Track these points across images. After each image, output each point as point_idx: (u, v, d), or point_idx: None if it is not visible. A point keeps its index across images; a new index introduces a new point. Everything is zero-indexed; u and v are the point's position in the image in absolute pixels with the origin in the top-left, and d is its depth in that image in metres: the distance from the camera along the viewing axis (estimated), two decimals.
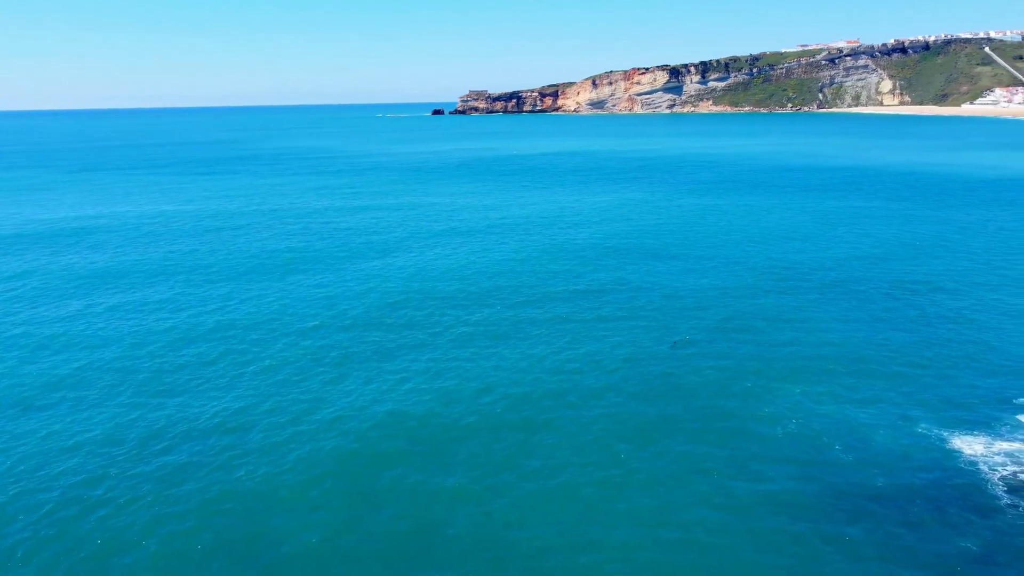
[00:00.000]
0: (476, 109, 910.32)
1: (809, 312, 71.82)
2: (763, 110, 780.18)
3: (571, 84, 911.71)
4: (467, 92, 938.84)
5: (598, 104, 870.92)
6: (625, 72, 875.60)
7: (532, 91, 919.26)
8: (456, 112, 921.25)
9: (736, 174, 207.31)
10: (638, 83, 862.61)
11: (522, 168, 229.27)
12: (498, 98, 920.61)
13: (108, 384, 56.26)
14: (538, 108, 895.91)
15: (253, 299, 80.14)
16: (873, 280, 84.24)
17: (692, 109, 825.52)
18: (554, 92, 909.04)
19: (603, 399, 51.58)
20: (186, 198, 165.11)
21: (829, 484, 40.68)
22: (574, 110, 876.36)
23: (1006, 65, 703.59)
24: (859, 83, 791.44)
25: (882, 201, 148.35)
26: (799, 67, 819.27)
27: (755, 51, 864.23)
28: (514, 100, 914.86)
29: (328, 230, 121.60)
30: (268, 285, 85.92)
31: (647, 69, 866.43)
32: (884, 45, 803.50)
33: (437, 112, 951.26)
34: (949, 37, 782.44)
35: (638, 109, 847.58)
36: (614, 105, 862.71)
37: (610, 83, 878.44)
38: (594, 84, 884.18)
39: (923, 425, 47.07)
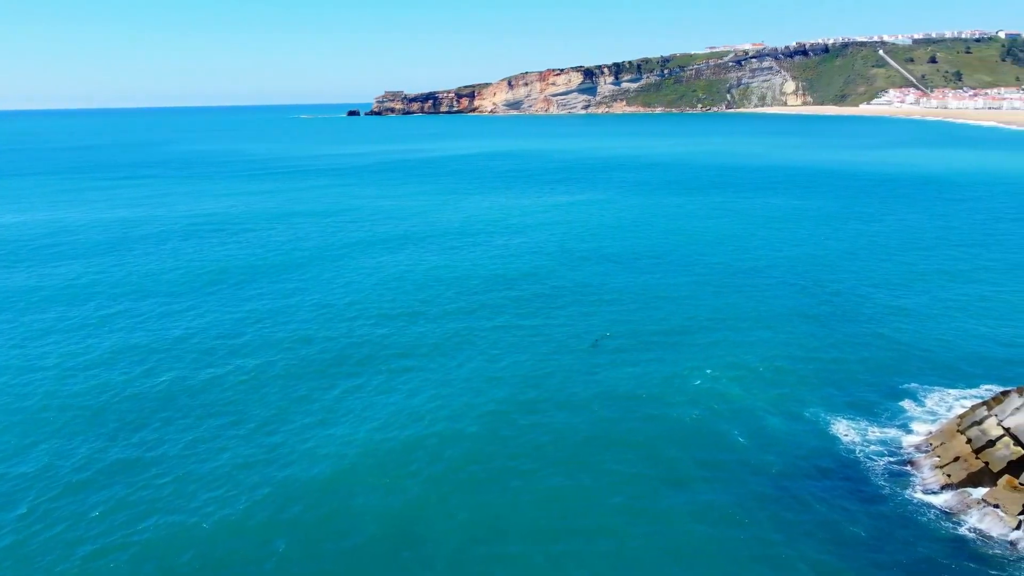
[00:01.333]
0: (392, 110, 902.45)
1: (718, 305, 73.89)
2: (675, 110, 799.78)
3: (487, 85, 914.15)
4: (383, 93, 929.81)
5: (514, 105, 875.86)
6: (540, 73, 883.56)
7: (448, 92, 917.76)
8: (372, 113, 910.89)
9: (655, 175, 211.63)
10: (553, 84, 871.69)
11: (450, 171, 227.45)
12: (414, 99, 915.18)
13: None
14: (455, 109, 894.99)
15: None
16: (779, 275, 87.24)
17: (607, 110, 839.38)
18: (471, 93, 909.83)
19: (526, 398, 51.63)
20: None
21: (731, 473, 41.79)
22: (491, 111, 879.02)
23: (898, 67, 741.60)
24: (764, 84, 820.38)
25: (793, 199, 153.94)
26: (708, 68, 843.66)
27: (666, 53, 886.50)
28: (431, 101, 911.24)
29: (253, 240, 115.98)
30: (179, 303, 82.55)
31: (562, 70, 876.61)
32: (787, 47, 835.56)
33: (352, 113, 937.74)
34: (846, 40, 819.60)
35: (554, 110, 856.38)
36: (530, 106, 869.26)
37: (526, 84, 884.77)
38: (510, 85, 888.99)
39: (817, 412, 48.82)
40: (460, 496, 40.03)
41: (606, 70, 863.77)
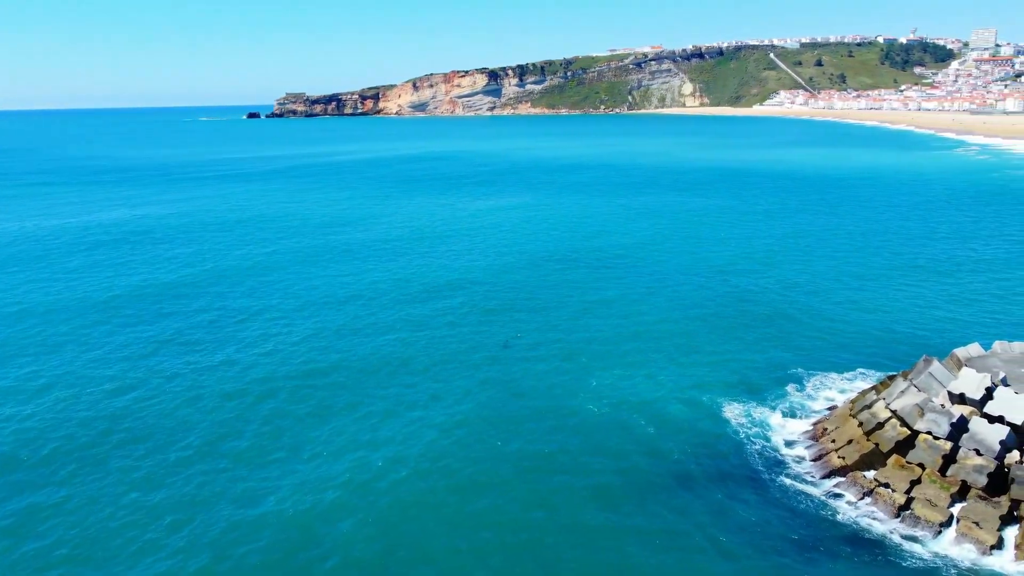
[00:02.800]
0: (294, 112, 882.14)
1: (623, 300, 75.30)
2: (579, 111, 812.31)
3: (392, 87, 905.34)
4: (284, 95, 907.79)
5: (420, 107, 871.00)
6: (445, 75, 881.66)
7: (352, 94, 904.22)
8: (273, 115, 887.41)
9: (558, 174, 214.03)
10: (458, 86, 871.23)
11: (369, 175, 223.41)
12: (317, 100, 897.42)
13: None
14: (359, 111, 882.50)
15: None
16: (679, 266, 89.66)
17: (512, 111, 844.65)
18: (375, 94, 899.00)
19: (437, 400, 51.05)
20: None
21: (633, 462, 42.59)
22: (396, 112, 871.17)
23: (788, 70, 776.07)
24: (664, 86, 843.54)
25: (699, 198, 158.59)
26: (610, 70, 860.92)
27: (569, 55, 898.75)
28: (334, 103, 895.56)
29: (146, 257, 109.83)
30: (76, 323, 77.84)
31: (467, 72, 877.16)
32: (684, 50, 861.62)
33: (253, 115, 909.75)
34: (740, 44, 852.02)
35: (460, 111, 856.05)
36: (436, 107, 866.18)
37: (431, 85, 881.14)
38: (415, 87, 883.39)
39: (717, 402, 50.33)
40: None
41: (510, 72, 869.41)
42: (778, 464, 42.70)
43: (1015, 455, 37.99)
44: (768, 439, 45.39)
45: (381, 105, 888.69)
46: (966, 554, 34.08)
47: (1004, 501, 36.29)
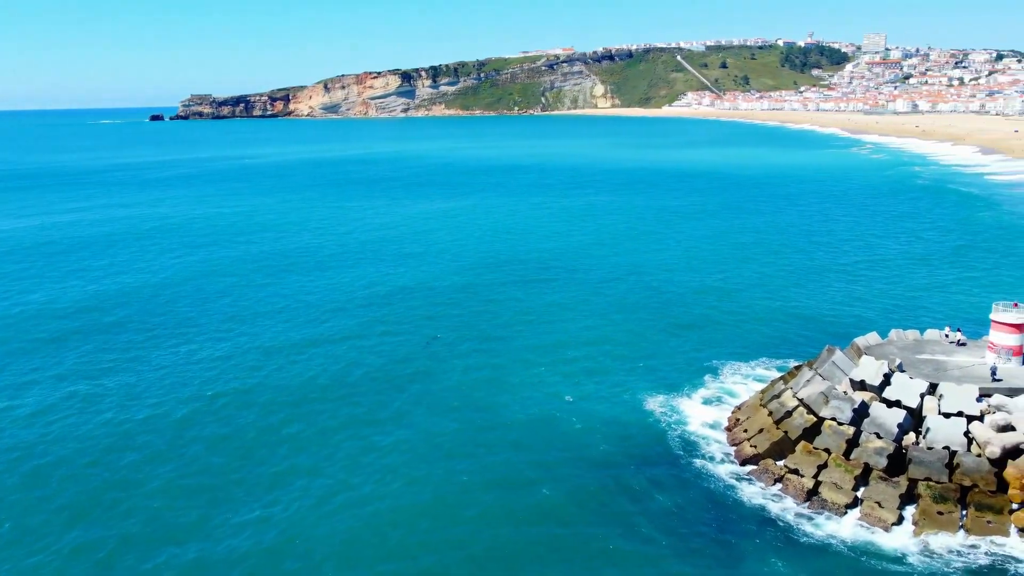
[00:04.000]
0: (200, 114, 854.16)
1: (541, 299, 76.02)
2: (493, 113, 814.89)
3: (303, 88, 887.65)
4: (189, 96, 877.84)
5: (332, 108, 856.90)
6: (358, 76, 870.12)
7: (262, 95, 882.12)
8: (178, 117, 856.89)
9: (480, 176, 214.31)
10: (371, 87, 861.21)
11: (297, 182, 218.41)
12: (224, 102, 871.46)
13: None
14: (269, 113, 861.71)
15: None
16: (599, 266, 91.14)
17: (426, 112, 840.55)
18: (285, 96, 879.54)
19: (361, 407, 50.28)
20: None
21: (559, 456, 43.18)
22: (308, 114, 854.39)
23: (695, 72, 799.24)
24: (576, 87, 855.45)
25: (610, 196, 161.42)
26: (523, 72, 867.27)
27: (482, 56, 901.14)
28: (242, 104, 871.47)
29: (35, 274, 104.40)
30: None
31: (379, 73, 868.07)
32: (595, 52, 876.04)
33: (156, 118, 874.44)
34: (648, 46, 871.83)
35: (373, 113, 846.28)
36: (348, 109, 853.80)
37: (343, 87, 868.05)
38: (327, 88, 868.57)
39: (637, 395, 51.55)
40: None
41: (424, 73, 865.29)
42: (695, 453, 43.95)
43: (911, 437, 40.24)
44: (686, 430, 46.70)
45: (292, 107, 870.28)
46: (869, 533, 35.86)
47: (903, 481, 38.38)
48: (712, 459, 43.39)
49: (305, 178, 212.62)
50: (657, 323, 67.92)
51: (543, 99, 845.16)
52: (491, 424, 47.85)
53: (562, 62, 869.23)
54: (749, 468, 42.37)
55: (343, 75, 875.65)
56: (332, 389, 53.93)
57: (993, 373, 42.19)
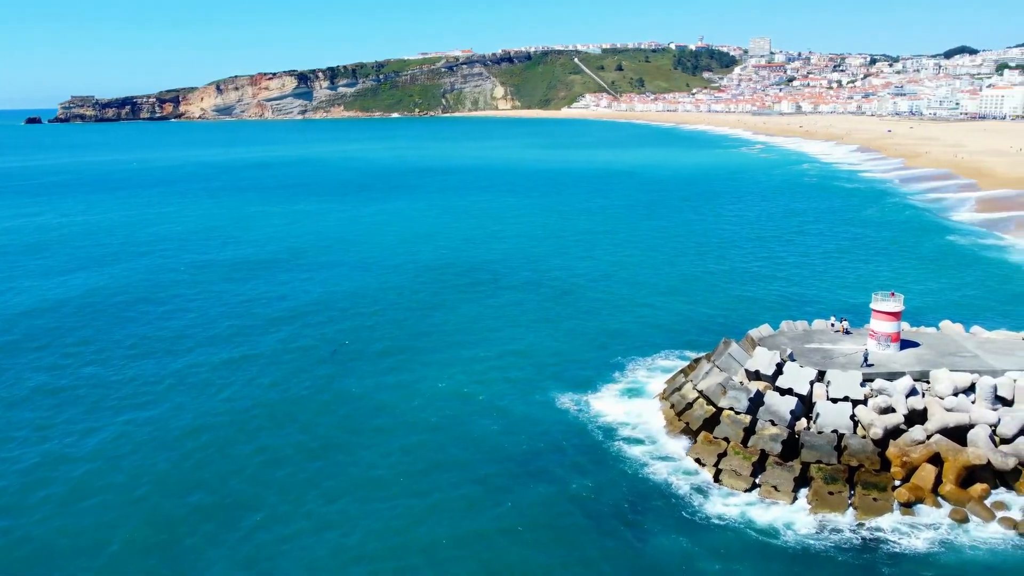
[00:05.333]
0: (83, 117, 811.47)
1: (447, 301, 75.89)
2: (394, 115, 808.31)
3: (194, 89, 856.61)
4: (69, 98, 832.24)
5: (226, 110, 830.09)
6: (252, 77, 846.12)
7: (149, 97, 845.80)
8: (57, 120, 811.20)
9: (372, 179, 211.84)
10: (267, 88, 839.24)
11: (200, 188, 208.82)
12: (109, 104, 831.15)
13: None
14: (158, 115, 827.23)
15: None
16: (505, 266, 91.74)
17: (324, 114, 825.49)
18: (175, 98, 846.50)
19: (267, 419, 48.88)
20: None
21: (483, 450, 43.46)
22: (199, 117, 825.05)
23: (592, 74, 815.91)
24: (476, 89, 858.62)
25: (515, 196, 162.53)
26: (423, 74, 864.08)
27: (380, 58, 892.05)
28: (129, 106, 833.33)
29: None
30: None
31: (275, 74, 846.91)
32: (494, 54, 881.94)
33: (33, 120, 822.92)
34: (546, 49, 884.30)
35: (269, 115, 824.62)
36: (243, 111, 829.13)
37: (237, 88, 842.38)
38: (219, 89, 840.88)
39: (549, 392, 52.40)
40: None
41: (321, 75, 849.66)
42: (608, 444, 44.97)
43: (803, 422, 42.45)
44: (598, 424, 47.68)
45: (182, 109, 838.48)
46: (767, 514, 37.60)
47: (796, 465, 40.44)
48: (623, 449, 44.42)
49: (199, 184, 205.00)
50: (563, 322, 68.97)
51: (444, 101, 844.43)
52: (405, 431, 47.41)
53: (461, 64, 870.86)
54: (656, 459, 43.65)
55: (236, 76, 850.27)
56: (233, 405, 52.31)
57: (865, 359, 44.92)
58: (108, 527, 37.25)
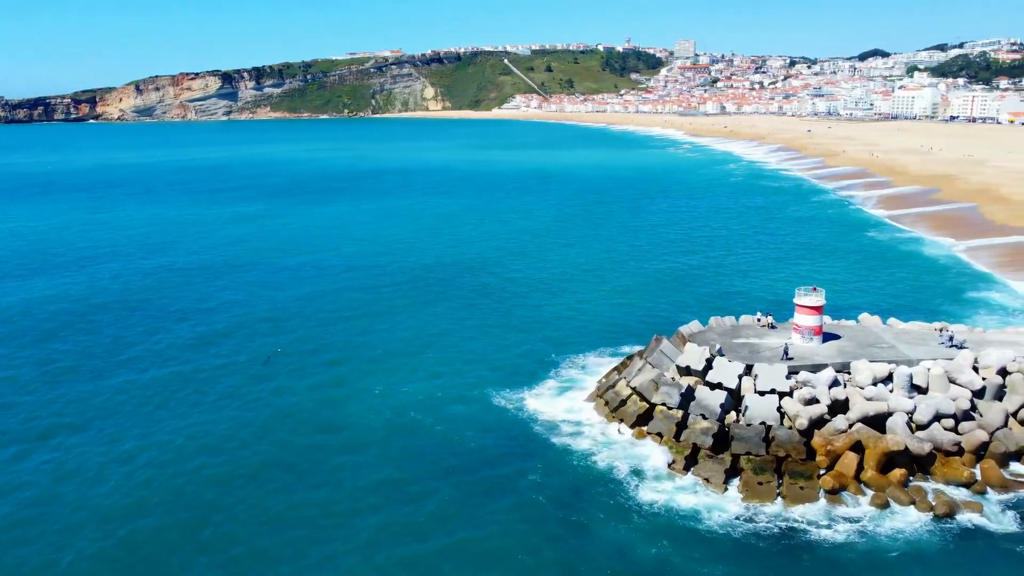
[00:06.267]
0: None
1: (382, 305, 75.15)
2: (322, 115, 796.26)
3: (112, 90, 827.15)
4: None
5: (146, 111, 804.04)
6: (174, 77, 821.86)
7: (64, 97, 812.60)
8: None
9: (304, 182, 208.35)
10: (189, 89, 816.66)
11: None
12: (19, 105, 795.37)
13: None
14: (73, 116, 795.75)
15: None
16: (435, 267, 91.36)
17: (250, 115, 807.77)
18: (92, 98, 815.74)
19: (203, 437, 47.41)
20: None
21: (429, 455, 43.22)
22: (118, 118, 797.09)
23: (522, 75, 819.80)
24: (406, 90, 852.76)
25: (444, 197, 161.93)
26: (351, 74, 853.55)
27: (308, 58, 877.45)
28: (41, 107, 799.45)
29: None
30: None
31: (197, 74, 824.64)
32: (423, 55, 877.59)
33: None
34: (476, 49, 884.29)
35: (192, 116, 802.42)
36: (164, 112, 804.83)
37: (157, 88, 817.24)
38: (139, 90, 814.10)
39: (488, 393, 52.41)
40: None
41: (246, 75, 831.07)
42: (548, 440, 45.33)
43: (732, 415, 43.58)
44: (538, 421, 48.06)
45: (100, 109, 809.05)
46: (700, 503, 38.48)
47: (727, 457, 41.50)
48: (561, 446, 44.79)
49: (121, 189, 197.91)
50: (499, 323, 69.12)
51: (373, 101, 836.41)
52: (346, 439, 46.55)
53: (391, 64, 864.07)
54: (594, 454, 44.15)
55: (157, 76, 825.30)
56: (165, 425, 50.74)
57: (785, 352, 46.41)
58: (36, 555, 35.66)
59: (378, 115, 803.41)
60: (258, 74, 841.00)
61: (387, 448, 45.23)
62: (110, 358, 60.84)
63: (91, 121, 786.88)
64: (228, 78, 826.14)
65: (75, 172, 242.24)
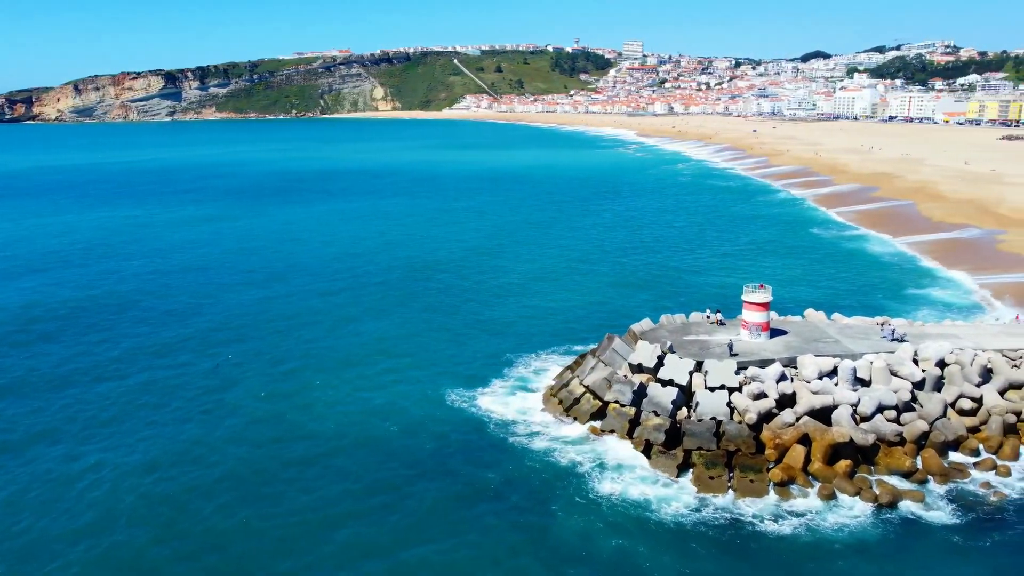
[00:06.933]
0: None
1: (335, 309, 74.32)
2: (269, 116, 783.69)
3: (49, 89, 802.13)
4: None
5: (86, 112, 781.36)
6: (115, 77, 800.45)
7: None
8: None
9: (248, 183, 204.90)
10: (131, 89, 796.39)
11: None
12: None
13: None
14: (8, 117, 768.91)
15: None
16: (382, 268, 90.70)
17: (195, 116, 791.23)
18: (28, 98, 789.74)
19: (154, 447, 46.23)
20: None
21: (390, 462, 42.94)
22: (56, 119, 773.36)
23: (472, 75, 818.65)
24: (355, 90, 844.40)
25: (394, 198, 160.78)
26: (299, 74, 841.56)
27: (254, 57, 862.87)
28: None
29: None
30: None
31: (139, 74, 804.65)
32: (373, 55, 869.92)
33: None
34: (425, 50, 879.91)
35: (134, 116, 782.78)
36: (105, 113, 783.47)
37: (97, 88, 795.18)
38: (77, 89, 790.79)
39: (444, 393, 52.26)
40: None
41: (190, 74, 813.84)
42: (499, 442, 45.40)
43: (684, 411, 44.24)
44: (490, 421, 48.20)
45: (37, 110, 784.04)
46: (654, 495, 38.98)
47: (679, 452, 42.12)
48: (516, 443, 44.94)
49: (62, 193, 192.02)
50: (454, 324, 68.99)
51: (322, 102, 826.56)
52: (304, 450, 45.78)
53: (339, 64, 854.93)
54: (549, 452, 44.37)
55: (97, 75, 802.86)
56: (118, 425, 49.45)
57: (730, 348, 47.31)
58: None
59: (327, 115, 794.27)
60: (203, 74, 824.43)
61: (345, 456, 44.71)
62: (55, 372, 59.02)
63: (28, 122, 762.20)
64: (171, 78, 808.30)
65: (11, 175, 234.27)
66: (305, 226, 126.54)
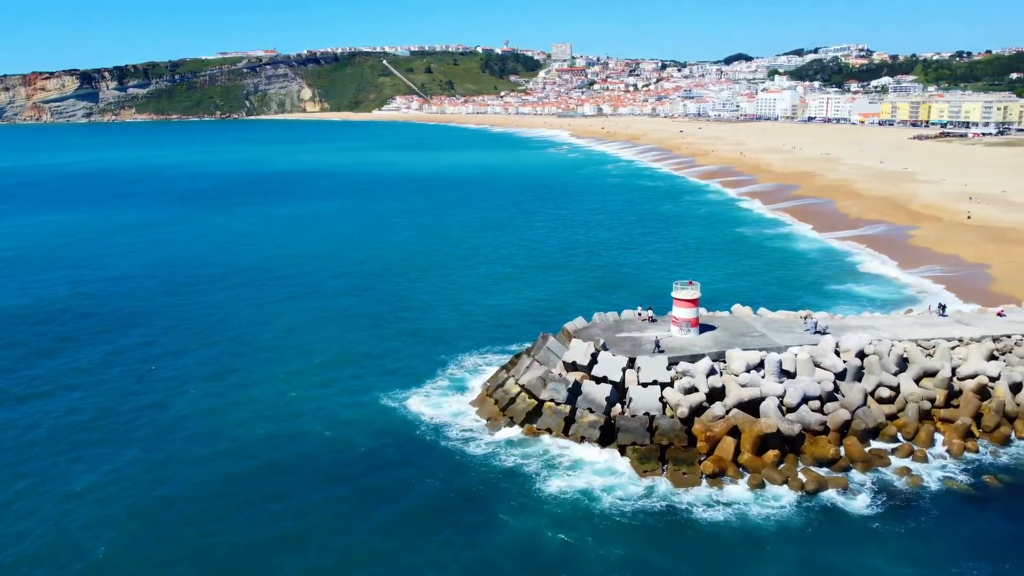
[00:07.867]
0: None
1: (265, 313, 72.72)
2: (192, 117, 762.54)
3: None
4: None
5: None
6: (25, 76, 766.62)
7: None
8: None
9: (173, 187, 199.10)
10: (44, 89, 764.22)
11: None
12: None
13: None
14: None
15: None
16: (317, 271, 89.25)
17: (114, 118, 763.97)
18: None
19: (80, 467, 44.32)
20: None
21: (322, 464, 42.18)
22: None
23: (402, 76, 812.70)
24: (282, 91, 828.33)
25: (323, 202, 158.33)
26: (223, 75, 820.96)
27: (175, 57, 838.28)
28: None
29: None
30: None
31: (52, 73, 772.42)
32: (299, 55, 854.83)
33: None
34: (354, 50, 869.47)
35: (47, 118, 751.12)
36: (16, 114, 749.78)
37: (7, 88, 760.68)
38: None
39: (377, 395, 51.78)
40: None
41: (108, 74, 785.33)
42: (441, 438, 45.35)
43: (618, 408, 44.89)
44: (425, 423, 47.99)
45: None
46: (588, 495, 39.50)
47: (614, 449, 42.72)
48: (453, 445, 44.83)
49: None
50: (386, 324, 68.43)
51: (247, 103, 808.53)
52: (235, 452, 44.81)
53: (265, 64, 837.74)
54: (486, 452, 44.42)
55: (6, 75, 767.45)
56: (54, 436, 47.33)
57: (657, 344, 48.12)
58: None
59: (253, 117, 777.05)
60: (121, 74, 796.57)
61: (275, 457, 44.06)
62: None
63: None
64: (88, 78, 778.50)
65: None
66: (238, 231, 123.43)
